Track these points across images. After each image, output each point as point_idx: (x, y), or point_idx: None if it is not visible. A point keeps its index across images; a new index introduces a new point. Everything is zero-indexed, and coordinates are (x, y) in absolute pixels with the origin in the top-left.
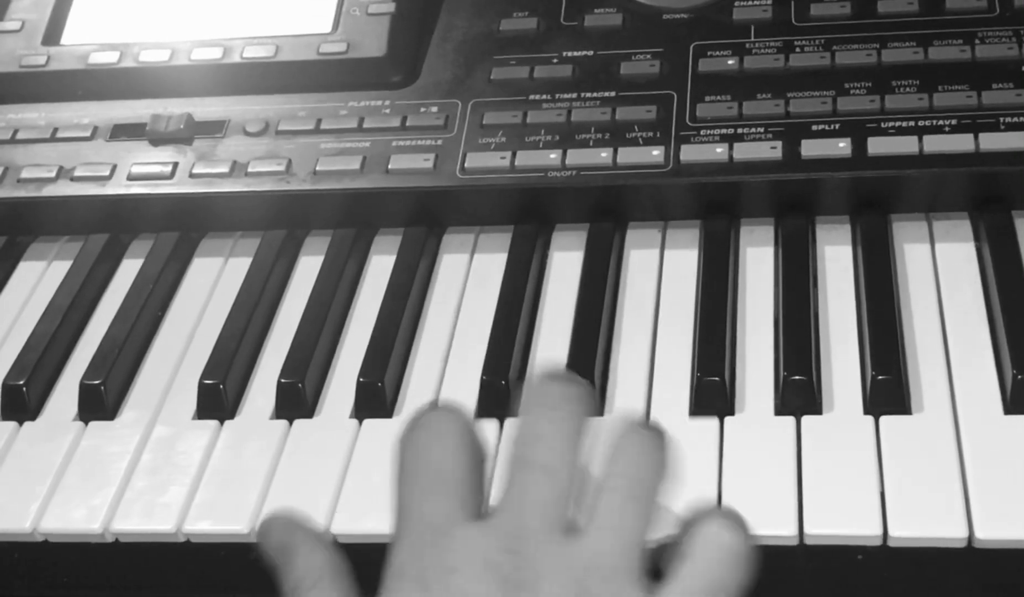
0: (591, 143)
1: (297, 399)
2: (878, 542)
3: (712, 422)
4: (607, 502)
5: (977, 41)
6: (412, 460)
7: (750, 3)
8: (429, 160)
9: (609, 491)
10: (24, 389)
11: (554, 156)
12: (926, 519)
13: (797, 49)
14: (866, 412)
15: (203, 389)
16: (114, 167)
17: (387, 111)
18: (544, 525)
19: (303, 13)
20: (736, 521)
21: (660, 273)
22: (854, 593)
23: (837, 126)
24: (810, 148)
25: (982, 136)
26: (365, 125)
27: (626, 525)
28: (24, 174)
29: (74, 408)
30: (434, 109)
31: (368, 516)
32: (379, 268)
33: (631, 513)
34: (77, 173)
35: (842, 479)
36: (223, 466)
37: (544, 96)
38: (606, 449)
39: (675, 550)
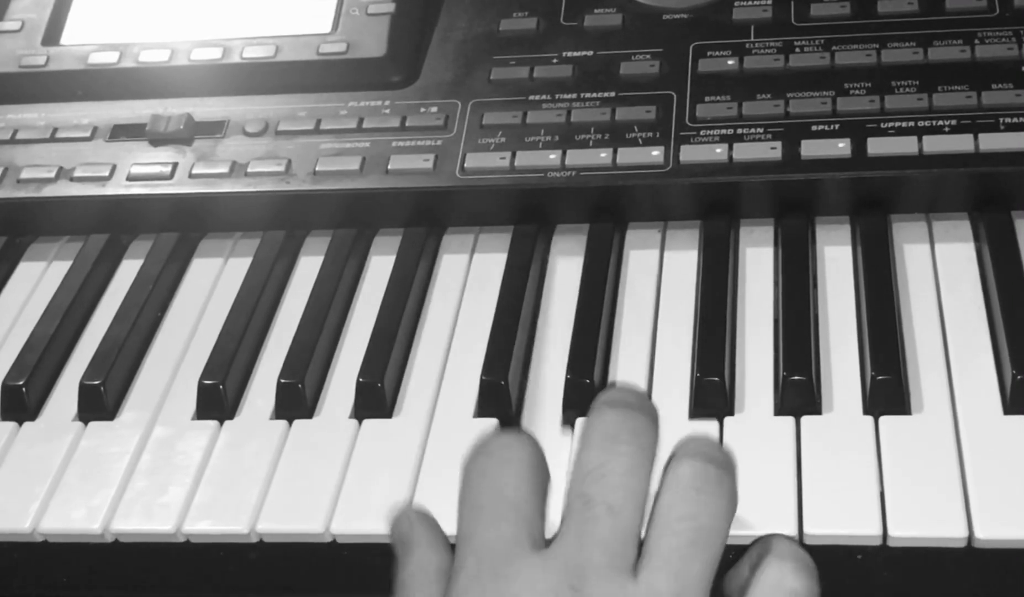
0: (591, 143)
1: (297, 399)
2: (878, 542)
3: (712, 424)
4: (670, 545)
5: (977, 41)
6: (478, 485)
7: (750, 3)
8: (429, 160)
9: (673, 534)
10: (24, 389)
11: (554, 156)
12: (926, 519)
13: (797, 49)
14: (866, 412)
15: (203, 389)
16: (114, 167)
17: (387, 111)
18: (606, 563)
19: (303, 13)
20: (803, 564)
21: (660, 273)
22: (854, 593)
23: (837, 126)
24: (810, 148)
25: (982, 136)
26: (365, 125)
27: (690, 571)
28: (24, 174)
29: (74, 408)
30: (434, 109)
31: (368, 516)
32: (379, 268)
33: (696, 560)
34: (77, 173)
35: (842, 479)
36: (223, 466)
37: (544, 96)
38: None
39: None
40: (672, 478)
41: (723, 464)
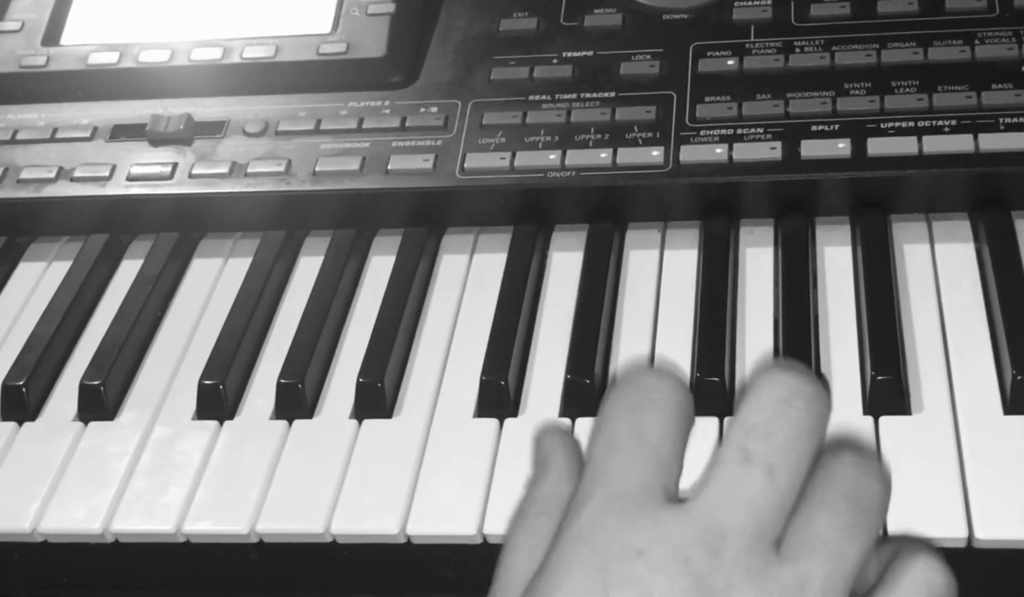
0: (591, 143)
1: (297, 399)
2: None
3: (712, 422)
4: (827, 523)
5: (977, 41)
6: (618, 418)
7: (750, 3)
8: (429, 160)
9: (832, 512)
10: (24, 389)
11: (554, 156)
12: (925, 519)
13: (797, 49)
14: (866, 412)
15: (203, 389)
16: (114, 167)
17: (387, 111)
18: (752, 531)
19: (303, 13)
20: (941, 563)
21: (660, 273)
22: None
23: (837, 127)
24: (810, 148)
25: (982, 136)
26: (365, 125)
27: (845, 556)
28: (24, 175)
29: (74, 408)
30: (434, 109)
31: (368, 516)
32: (379, 268)
33: (854, 543)
34: (77, 174)
35: None
36: (223, 466)
37: (544, 96)
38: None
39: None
40: (830, 457)
41: (876, 465)
